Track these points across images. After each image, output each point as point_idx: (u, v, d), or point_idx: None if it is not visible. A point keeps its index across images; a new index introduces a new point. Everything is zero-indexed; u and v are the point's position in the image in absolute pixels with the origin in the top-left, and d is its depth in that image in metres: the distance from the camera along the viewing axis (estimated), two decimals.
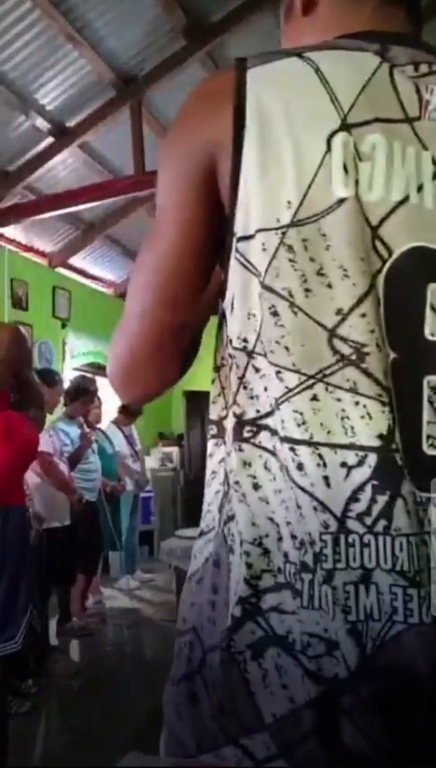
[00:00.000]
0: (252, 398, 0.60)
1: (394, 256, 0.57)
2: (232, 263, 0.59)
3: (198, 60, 4.35)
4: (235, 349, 0.60)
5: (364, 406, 0.55)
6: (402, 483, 0.54)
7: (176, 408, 7.45)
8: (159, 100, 4.64)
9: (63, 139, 4.62)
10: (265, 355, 0.58)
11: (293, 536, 0.56)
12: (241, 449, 0.60)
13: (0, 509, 1.81)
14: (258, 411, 0.60)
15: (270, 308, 0.57)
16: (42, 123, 4.41)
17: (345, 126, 0.57)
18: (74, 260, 6.15)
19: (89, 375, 4.71)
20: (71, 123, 4.58)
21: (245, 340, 0.60)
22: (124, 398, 0.73)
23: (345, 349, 0.56)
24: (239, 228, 0.59)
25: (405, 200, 0.57)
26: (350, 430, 0.55)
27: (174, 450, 7.08)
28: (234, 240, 0.59)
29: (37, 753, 2.46)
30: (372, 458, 0.54)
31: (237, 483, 0.60)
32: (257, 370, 0.59)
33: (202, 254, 0.62)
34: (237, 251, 0.59)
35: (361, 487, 0.54)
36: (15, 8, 3.52)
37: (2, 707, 1.84)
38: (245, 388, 0.60)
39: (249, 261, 0.58)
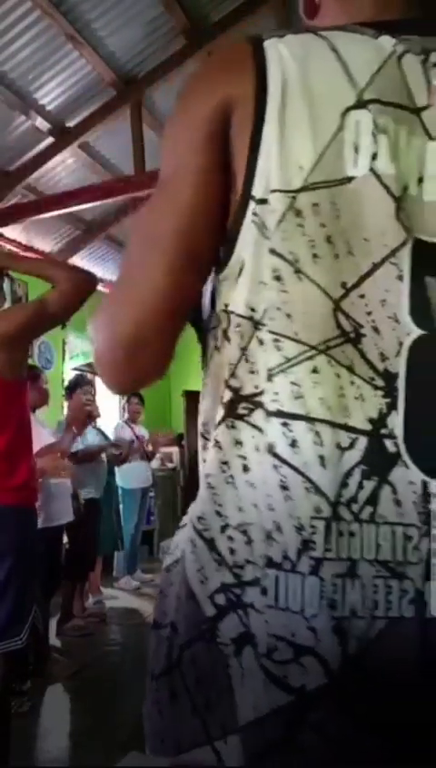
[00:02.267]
0: (252, 372, 0.56)
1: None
2: (247, 227, 0.57)
3: (198, 60, 4.34)
4: (240, 317, 0.57)
5: (358, 387, 0.53)
6: (393, 469, 0.52)
7: (176, 408, 7.44)
8: (159, 100, 4.63)
9: (63, 139, 4.61)
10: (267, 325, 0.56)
11: (275, 523, 0.52)
12: (233, 426, 0.57)
13: (22, 510, 1.83)
14: (256, 387, 0.56)
15: (274, 271, 0.55)
16: (42, 123, 4.40)
17: (361, 104, 0.56)
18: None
19: (89, 374, 4.70)
20: (71, 124, 4.57)
21: (253, 309, 0.56)
22: (123, 383, 0.66)
23: (347, 326, 0.54)
24: (258, 190, 0.56)
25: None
26: (345, 410, 0.53)
27: (174, 450, 7.07)
28: (253, 203, 0.57)
29: (37, 753, 2.46)
30: (363, 442, 0.52)
31: (226, 464, 0.56)
32: (261, 343, 0.56)
33: (215, 215, 0.59)
34: (254, 213, 0.56)
35: (350, 472, 0.52)
36: (15, 8, 3.52)
37: (4, 704, 1.84)
38: (247, 361, 0.57)
39: (264, 225, 0.56)
